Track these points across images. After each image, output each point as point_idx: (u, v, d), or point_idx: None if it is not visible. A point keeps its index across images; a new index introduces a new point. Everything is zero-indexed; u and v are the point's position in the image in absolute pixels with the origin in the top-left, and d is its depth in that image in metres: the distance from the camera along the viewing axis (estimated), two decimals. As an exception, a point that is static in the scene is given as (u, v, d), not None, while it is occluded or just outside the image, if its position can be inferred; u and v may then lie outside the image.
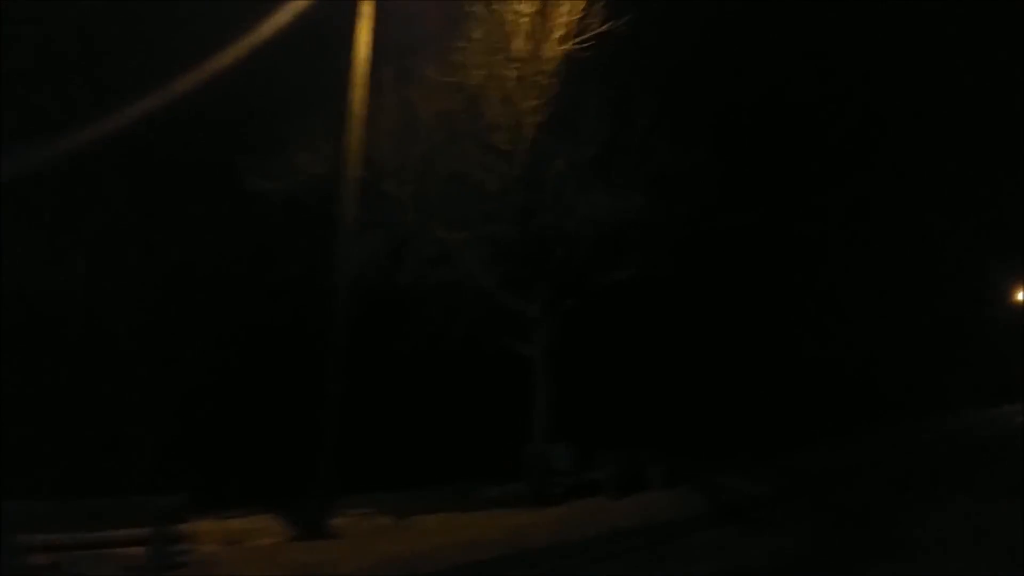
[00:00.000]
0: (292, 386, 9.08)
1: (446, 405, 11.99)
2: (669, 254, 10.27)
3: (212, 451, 10.14)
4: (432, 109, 9.61)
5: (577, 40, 9.26)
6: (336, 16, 8.37)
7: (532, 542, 7.07)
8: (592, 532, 7.56)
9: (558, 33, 9.21)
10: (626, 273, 9.90)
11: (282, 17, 7.51)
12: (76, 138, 6.55)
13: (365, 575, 5.82)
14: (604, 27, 9.11)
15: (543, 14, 9.16)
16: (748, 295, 14.79)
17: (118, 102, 6.70)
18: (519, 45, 9.16)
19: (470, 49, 9.19)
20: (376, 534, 7.38)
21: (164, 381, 10.88)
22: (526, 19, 9.08)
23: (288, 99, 10.06)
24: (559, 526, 7.68)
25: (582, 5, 9.19)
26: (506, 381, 10.83)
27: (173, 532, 5.85)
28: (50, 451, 9.37)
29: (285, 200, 9.64)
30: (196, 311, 11.45)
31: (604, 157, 9.90)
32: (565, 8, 9.16)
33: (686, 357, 13.85)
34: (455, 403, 11.99)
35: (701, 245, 10.93)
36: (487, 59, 9.10)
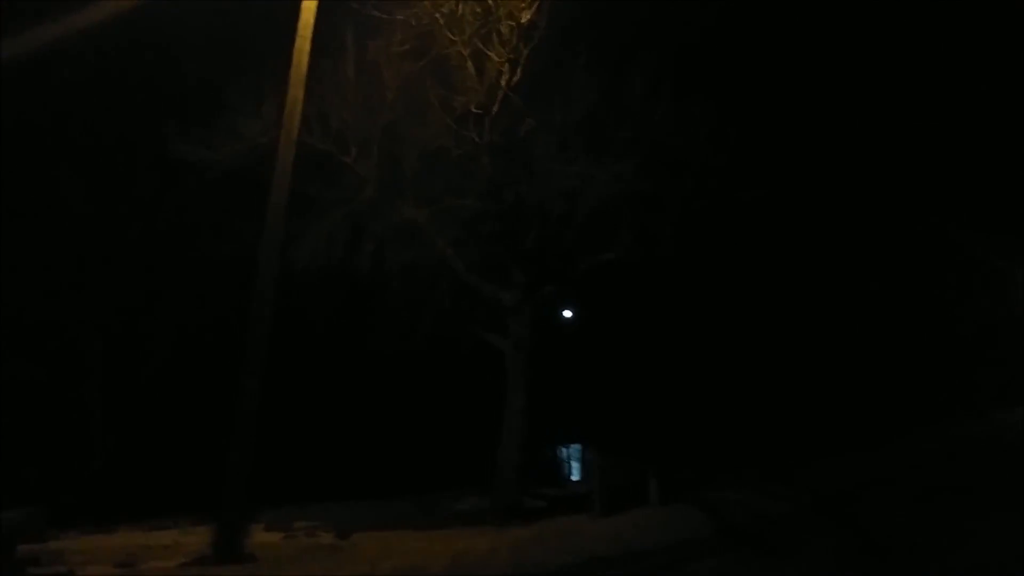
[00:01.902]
0: (219, 386, 8.04)
1: (419, 406, 10.88)
2: (667, 234, 8.84)
3: (139, 457, 9.28)
4: (396, 72, 8.48)
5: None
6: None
7: (484, 572, 5.80)
8: (561, 560, 6.24)
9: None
10: (615, 254, 8.50)
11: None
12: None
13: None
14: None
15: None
16: (757, 284, 13.19)
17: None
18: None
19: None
20: (301, 556, 6.24)
21: (65, 375, 10.10)
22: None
23: (230, 60, 9.10)
24: (523, 552, 6.38)
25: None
26: (486, 379, 9.64)
27: (24, 551, 4.82)
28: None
29: (224, 172, 8.61)
30: (109, 299, 10.71)
31: (592, 122, 8.59)
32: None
33: (687, 353, 12.38)
34: (429, 404, 10.86)
35: (704, 224, 9.45)
36: (452, 7, 7.87)
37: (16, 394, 10.67)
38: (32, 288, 11.00)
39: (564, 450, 13.33)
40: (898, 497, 10.19)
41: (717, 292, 13.00)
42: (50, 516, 6.68)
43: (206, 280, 11.07)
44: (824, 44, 12.85)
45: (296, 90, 7.47)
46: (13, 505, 5.78)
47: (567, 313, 14.82)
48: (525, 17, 7.85)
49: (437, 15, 7.68)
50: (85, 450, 11.41)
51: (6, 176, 10.28)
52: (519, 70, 8.03)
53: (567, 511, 8.28)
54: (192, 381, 11.24)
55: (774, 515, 8.38)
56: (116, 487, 10.52)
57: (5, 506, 5.61)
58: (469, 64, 7.98)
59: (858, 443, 13.43)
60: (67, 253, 11.38)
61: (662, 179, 8.62)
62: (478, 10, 7.74)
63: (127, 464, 10.94)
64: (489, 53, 7.91)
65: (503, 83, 7.95)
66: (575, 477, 12.92)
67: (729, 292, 13.12)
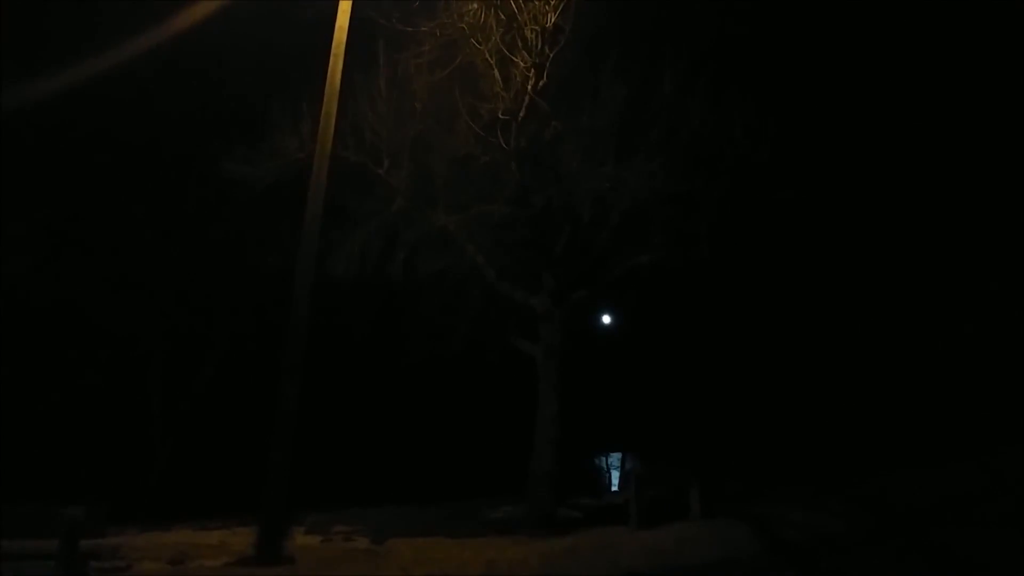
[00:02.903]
0: (268, 391, 8.33)
1: (456, 413, 10.90)
2: (703, 236, 8.51)
3: (195, 459, 9.72)
4: (424, 83, 8.63)
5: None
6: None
7: (516, 583, 5.71)
8: (595, 573, 6.04)
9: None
10: (648, 258, 8.24)
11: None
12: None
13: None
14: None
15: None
16: (804, 289, 12.45)
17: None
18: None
19: (460, 8, 8.09)
20: (337, 561, 6.33)
21: (125, 384, 10.71)
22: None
23: (272, 82, 9.53)
24: (555, 563, 6.23)
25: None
26: (523, 385, 9.56)
27: (85, 546, 5.15)
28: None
29: (267, 188, 8.97)
30: (167, 309, 11.31)
31: (622, 123, 8.41)
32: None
33: (731, 361, 11.83)
34: (465, 411, 10.86)
35: (743, 226, 9.03)
36: (476, 15, 7.93)
37: (83, 399, 11.50)
38: (97, 299, 11.85)
39: (604, 459, 13.03)
40: (963, 520, 9.20)
41: (761, 297, 12.38)
42: (110, 513, 7.11)
43: (256, 290, 11.59)
44: (865, 32, 12.09)
45: (330, 106, 7.73)
46: (77, 502, 6.18)
47: (606, 319, 14.56)
48: (550, 20, 7.81)
49: (462, 24, 7.76)
50: (146, 452, 12.11)
51: (75, 193, 11.19)
52: (545, 74, 7.98)
53: (604, 523, 8.03)
54: (244, 387, 11.74)
55: (830, 534, 7.80)
56: (174, 487, 11.11)
57: (70, 503, 6.00)
58: (495, 71, 8.00)
59: (920, 459, 12.36)
60: (128, 266, 12.21)
61: (696, 179, 8.32)
62: (502, 16, 7.76)
63: (184, 466, 11.52)
64: (515, 59, 7.90)
65: (529, 88, 7.92)
66: (615, 488, 12.59)
67: (774, 297, 12.48)
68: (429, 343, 9.27)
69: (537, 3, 7.77)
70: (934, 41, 12.36)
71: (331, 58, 7.77)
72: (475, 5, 8.01)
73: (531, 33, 7.74)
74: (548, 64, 8.03)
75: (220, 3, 7.73)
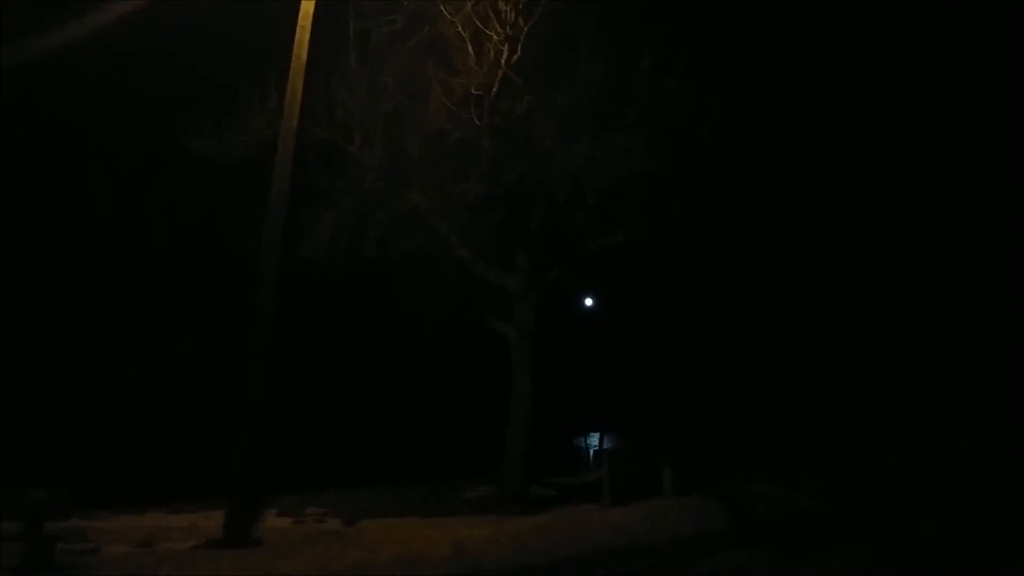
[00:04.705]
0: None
1: (434, 394, 10.86)
2: (680, 215, 8.44)
3: (171, 443, 9.63)
4: (397, 58, 8.39)
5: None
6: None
7: (486, 563, 5.71)
8: (564, 551, 6.07)
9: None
10: (623, 236, 8.16)
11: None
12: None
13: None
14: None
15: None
16: (785, 269, 12.49)
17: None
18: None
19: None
20: (307, 542, 6.29)
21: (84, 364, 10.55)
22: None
23: (242, 58, 9.22)
24: (525, 541, 6.25)
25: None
26: (502, 365, 9.53)
27: (51, 529, 5.11)
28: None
29: (242, 168, 8.74)
30: (141, 294, 11.11)
31: (599, 99, 8.25)
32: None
33: (713, 342, 11.89)
34: (444, 392, 10.83)
35: (722, 206, 8.96)
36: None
37: (57, 382, 11.31)
38: (68, 283, 11.59)
39: (584, 439, 13.13)
40: (944, 496, 9.35)
41: (742, 278, 12.42)
42: (75, 497, 7.03)
43: (232, 273, 11.37)
44: (844, 7, 11.94)
45: (296, 79, 7.49)
46: (41, 486, 6.09)
47: (589, 302, 14.54)
48: (523, -9, 7.60)
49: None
50: (121, 436, 11.98)
51: (41, 176, 10.85)
52: (519, 48, 7.78)
53: (579, 500, 8.09)
54: (221, 370, 11.60)
55: (800, 509, 7.91)
56: (149, 471, 11.02)
57: (34, 487, 5.91)
58: (468, 44, 7.79)
59: (898, 439, 12.56)
60: (101, 249, 11.93)
61: (674, 156, 8.21)
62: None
63: (160, 449, 11.42)
64: (487, 31, 7.69)
65: (502, 62, 7.72)
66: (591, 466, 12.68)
67: (755, 278, 12.51)
68: (404, 324, 9.17)
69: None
70: (915, 15, 12.27)
71: (297, 29, 7.51)
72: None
73: (504, 3, 7.52)
74: (522, 37, 7.82)
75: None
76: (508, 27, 7.59)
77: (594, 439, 13.07)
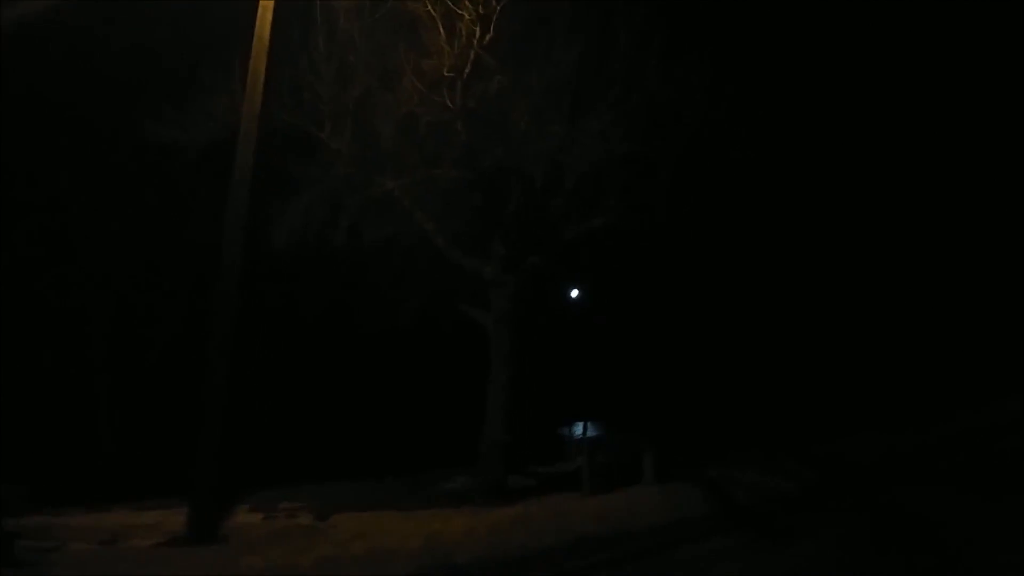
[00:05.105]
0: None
1: (414, 385, 10.68)
2: (659, 199, 8.28)
3: (142, 439, 9.37)
4: (367, 40, 8.09)
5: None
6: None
7: (458, 556, 5.56)
8: (542, 542, 5.94)
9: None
10: (602, 221, 7.99)
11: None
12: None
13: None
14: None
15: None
16: (769, 256, 12.40)
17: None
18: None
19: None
20: (275, 538, 6.11)
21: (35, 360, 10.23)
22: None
23: (206, 43, 8.86)
24: (502, 532, 6.12)
25: None
26: (482, 355, 9.36)
27: (12, 525, 4.94)
28: None
29: (208, 153, 8.42)
30: (112, 287, 10.79)
31: (575, 82, 8.04)
32: None
33: (699, 330, 11.80)
34: (424, 382, 10.65)
35: (702, 191, 8.81)
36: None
37: (26, 380, 10.96)
38: (38, 277, 11.20)
39: (568, 428, 13.04)
40: (926, 479, 9.37)
41: (726, 263, 12.32)
42: (46, 494, 6.82)
43: (206, 265, 11.04)
44: None
45: (259, 60, 7.19)
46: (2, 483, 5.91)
47: (575, 292, 14.41)
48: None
49: None
50: (92, 432, 11.69)
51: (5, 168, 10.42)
52: (491, 27, 7.53)
53: (559, 490, 7.98)
54: (193, 364, 11.31)
55: (779, 495, 7.86)
56: (122, 468, 10.75)
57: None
58: (439, 23, 7.52)
59: (882, 423, 12.60)
60: (70, 242, 11.54)
61: (652, 139, 8.05)
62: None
63: (131, 445, 11.16)
64: (459, 11, 7.43)
65: (475, 42, 7.47)
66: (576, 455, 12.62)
67: (739, 263, 12.42)
68: (381, 313, 8.95)
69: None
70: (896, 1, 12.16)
71: (259, 7, 7.20)
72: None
73: (475, -19, 7.27)
74: (495, 16, 7.57)
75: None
76: (480, 6, 7.34)
77: (579, 427, 12.98)
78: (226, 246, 6.55)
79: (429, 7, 7.52)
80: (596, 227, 7.98)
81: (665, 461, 8.52)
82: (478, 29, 7.52)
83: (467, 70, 7.55)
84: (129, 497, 8.78)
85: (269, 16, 7.19)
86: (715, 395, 12.50)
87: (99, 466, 11.02)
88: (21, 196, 10.82)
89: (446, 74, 7.64)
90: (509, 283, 7.94)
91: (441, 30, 7.64)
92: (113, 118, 10.02)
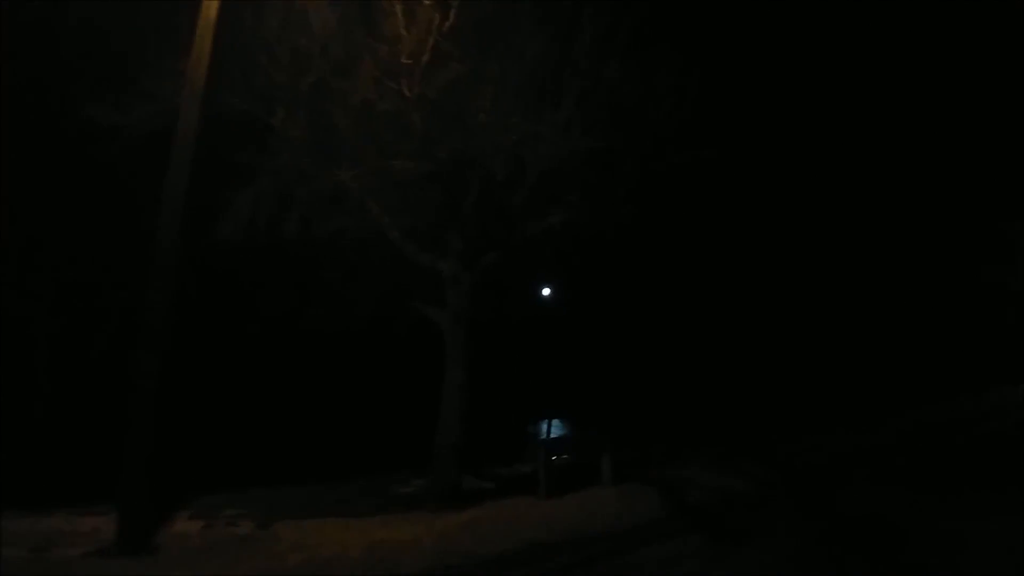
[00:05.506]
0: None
1: (372, 386, 10.34)
2: (621, 197, 8.13)
3: (86, 442, 8.83)
4: (323, 23, 7.71)
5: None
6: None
7: (403, 566, 5.31)
8: (492, 548, 5.75)
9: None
10: (561, 218, 7.80)
11: None
12: None
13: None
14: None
15: None
16: (737, 258, 12.48)
17: None
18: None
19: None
20: (210, 548, 5.76)
21: None
22: None
23: (149, 18, 8.34)
24: (450, 539, 5.90)
25: None
26: (438, 354, 9.09)
27: None
28: None
29: (147, 139, 7.91)
30: (55, 280, 10.18)
31: (539, 73, 7.82)
32: None
33: (667, 330, 11.77)
34: (382, 383, 10.32)
35: (669, 190, 8.71)
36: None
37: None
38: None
39: (532, 428, 12.88)
40: (879, 478, 9.54)
41: (695, 265, 12.33)
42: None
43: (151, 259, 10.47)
44: None
45: (204, 39, 6.78)
46: None
47: (546, 291, 14.25)
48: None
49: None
50: (33, 433, 11.02)
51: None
52: (451, 14, 7.25)
53: (516, 493, 7.78)
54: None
55: (735, 495, 7.85)
56: (66, 470, 10.13)
57: None
58: (397, 7, 7.20)
59: (842, 422, 12.82)
60: (10, 231, 10.80)
61: (616, 137, 7.89)
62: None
63: (73, 447, 10.54)
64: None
65: (434, 28, 7.18)
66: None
67: (707, 264, 12.44)
68: (335, 310, 8.59)
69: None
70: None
71: (204, -15, 6.78)
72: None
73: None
74: (456, 3, 7.29)
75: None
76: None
77: (543, 427, 12.85)
78: (162, 233, 6.14)
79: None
80: (556, 224, 7.78)
81: (625, 461, 8.42)
82: (438, 16, 7.23)
83: (425, 58, 7.25)
84: (75, 500, 8.27)
85: (213, -8, 6.78)
86: (681, 394, 12.51)
87: (39, 467, 10.37)
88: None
89: (404, 61, 7.33)
90: (466, 280, 7.68)
91: (399, 14, 7.32)
92: (54, 100, 9.38)
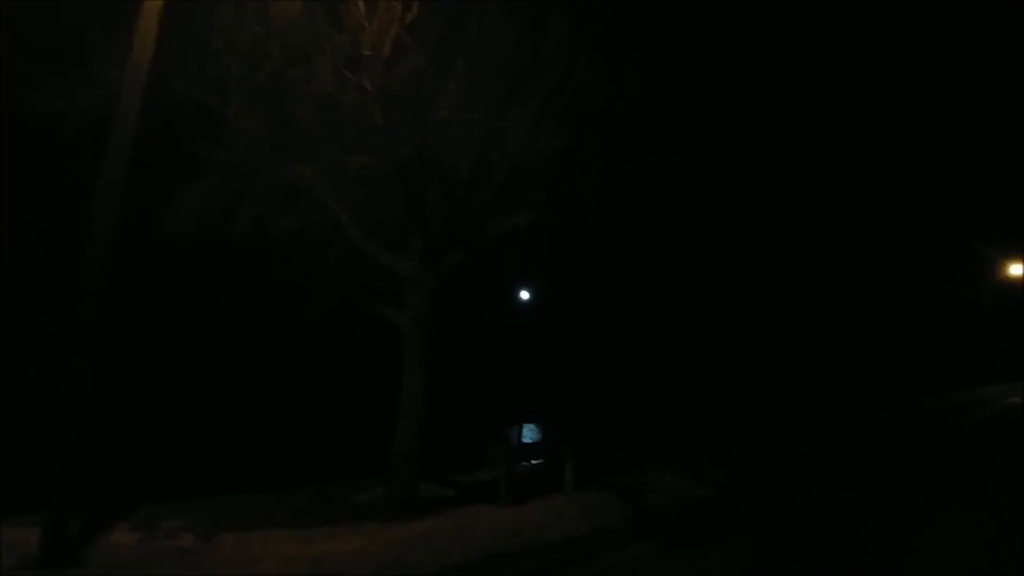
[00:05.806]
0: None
1: (332, 390, 9.99)
2: (588, 198, 8.00)
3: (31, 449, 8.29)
4: (282, 11, 7.40)
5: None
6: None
7: (347, 578, 5.04)
8: (446, 561, 5.51)
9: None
10: (524, 219, 7.63)
11: None
12: None
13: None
14: None
15: None
16: (710, 261, 12.52)
17: None
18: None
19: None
20: (143, 563, 5.40)
21: None
22: None
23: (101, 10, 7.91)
24: (401, 551, 5.64)
25: None
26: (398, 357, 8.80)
27: None
28: None
29: (86, 125, 7.47)
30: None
31: (505, 68, 7.63)
32: None
33: (637, 335, 11.71)
34: (341, 385, 9.99)
35: (636, 189, 8.63)
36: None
37: None
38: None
39: (503, 433, 12.68)
40: (837, 480, 9.67)
41: (663, 269, 12.31)
42: None
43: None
44: None
45: (149, 20, 6.41)
46: None
47: (525, 295, 14.07)
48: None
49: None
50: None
51: None
52: (415, 5, 7.02)
53: (476, 500, 7.57)
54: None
55: (697, 500, 7.80)
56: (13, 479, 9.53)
57: None
58: (359, -2, 6.94)
59: (802, 424, 12.97)
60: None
61: (583, 135, 7.75)
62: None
63: (11, 454, 9.91)
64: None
65: (395, 19, 6.94)
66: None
67: (675, 268, 12.43)
68: (292, 311, 8.26)
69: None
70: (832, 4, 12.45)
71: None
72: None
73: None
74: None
75: None
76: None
77: (514, 432, 12.66)
78: (94, 229, 5.75)
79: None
80: (521, 224, 7.60)
81: (594, 466, 8.29)
82: (399, 5, 6.98)
83: (387, 50, 7.00)
84: (7, 511, 7.73)
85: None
86: (655, 396, 12.49)
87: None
88: None
89: (365, 52, 7.07)
90: (427, 280, 7.44)
91: (361, 4, 7.06)
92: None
